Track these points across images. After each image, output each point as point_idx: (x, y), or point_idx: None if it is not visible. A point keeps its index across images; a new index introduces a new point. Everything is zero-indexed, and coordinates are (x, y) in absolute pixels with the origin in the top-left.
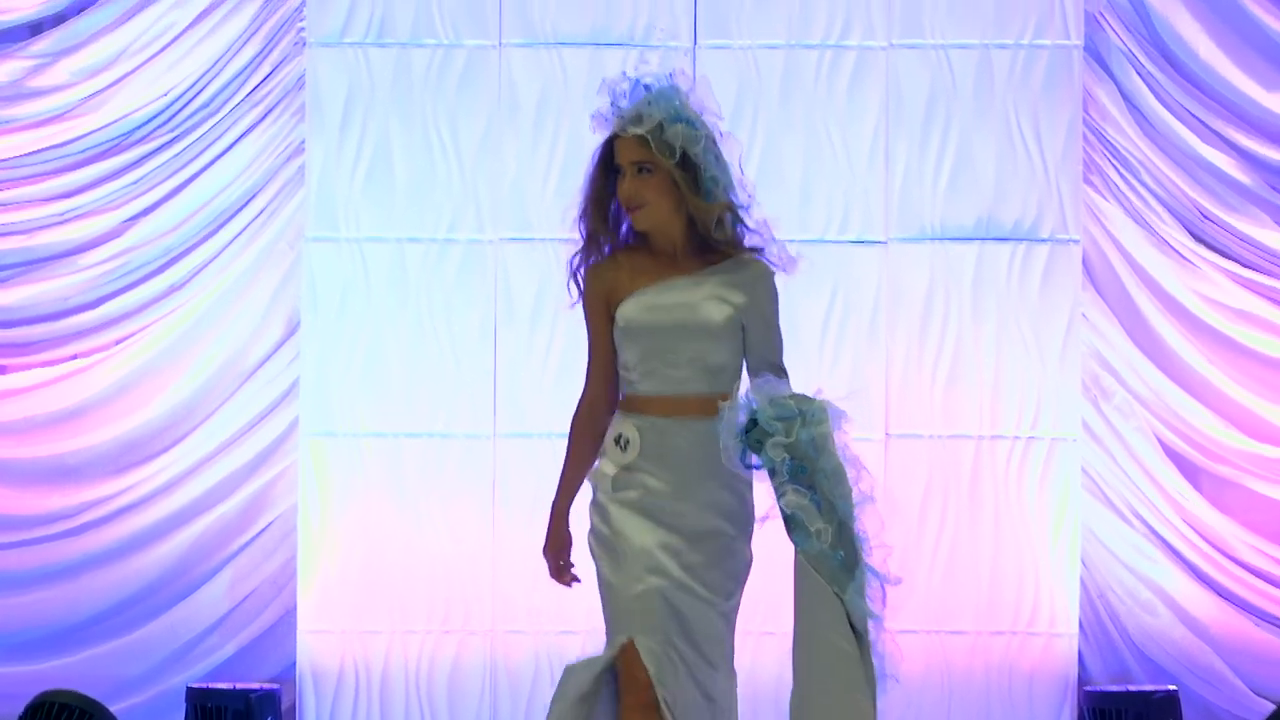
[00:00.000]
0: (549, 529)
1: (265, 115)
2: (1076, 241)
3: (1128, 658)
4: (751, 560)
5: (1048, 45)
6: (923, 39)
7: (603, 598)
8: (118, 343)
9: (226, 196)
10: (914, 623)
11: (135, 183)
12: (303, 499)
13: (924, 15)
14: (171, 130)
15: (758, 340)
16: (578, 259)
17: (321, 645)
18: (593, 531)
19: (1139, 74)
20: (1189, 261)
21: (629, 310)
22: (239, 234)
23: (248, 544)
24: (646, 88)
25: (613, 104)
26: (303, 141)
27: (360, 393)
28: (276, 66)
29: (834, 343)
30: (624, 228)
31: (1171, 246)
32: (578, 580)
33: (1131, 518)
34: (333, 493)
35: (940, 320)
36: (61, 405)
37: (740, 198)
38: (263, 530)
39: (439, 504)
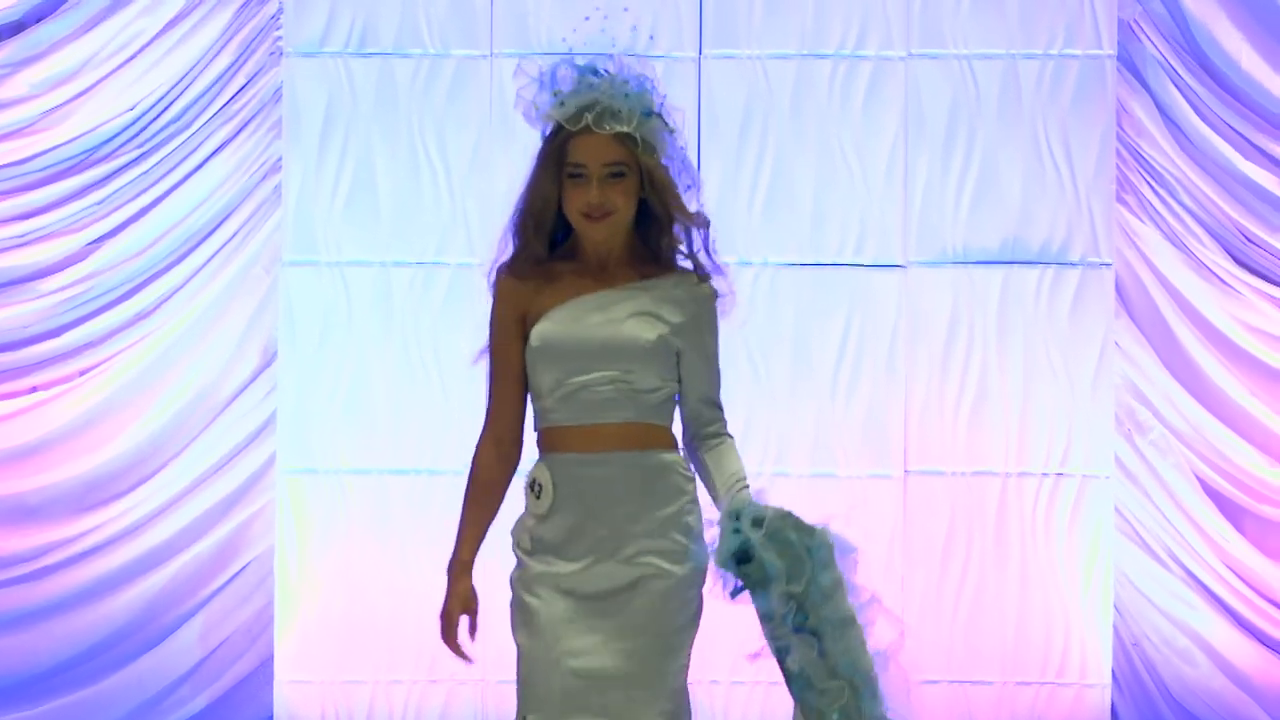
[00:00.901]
0: (447, 588)
1: (240, 130)
2: (1109, 265)
3: (1164, 709)
4: (701, 607)
5: (1078, 55)
6: (944, 48)
7: (517, 663)
8: (81, 374)
9: (198, 217)
10: (936, 672)
11: (100, 203)
12: (280, 540)
13: (945, 23)
14: (139, 146)
15: (693, 371)
16: (499, 273)
17: (300, 696)
18: (514, 596)
19: (1176, 85)
20: (1230, 287)
21: (545, 328)
22: (211, 257)
23: (221, 588)
24: (599, 74)
25: (554, 94)
26: (280, 158)
27: (342, 427)
28: (252, 78)
29: (849, 373)
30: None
31: (1211, 270)
32: (468, 660)
33: (1168, 560)
34: (312, 533)
35: (963, 349)
36: (21, 440)
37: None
38: (237, 574)
39: (426, 545)
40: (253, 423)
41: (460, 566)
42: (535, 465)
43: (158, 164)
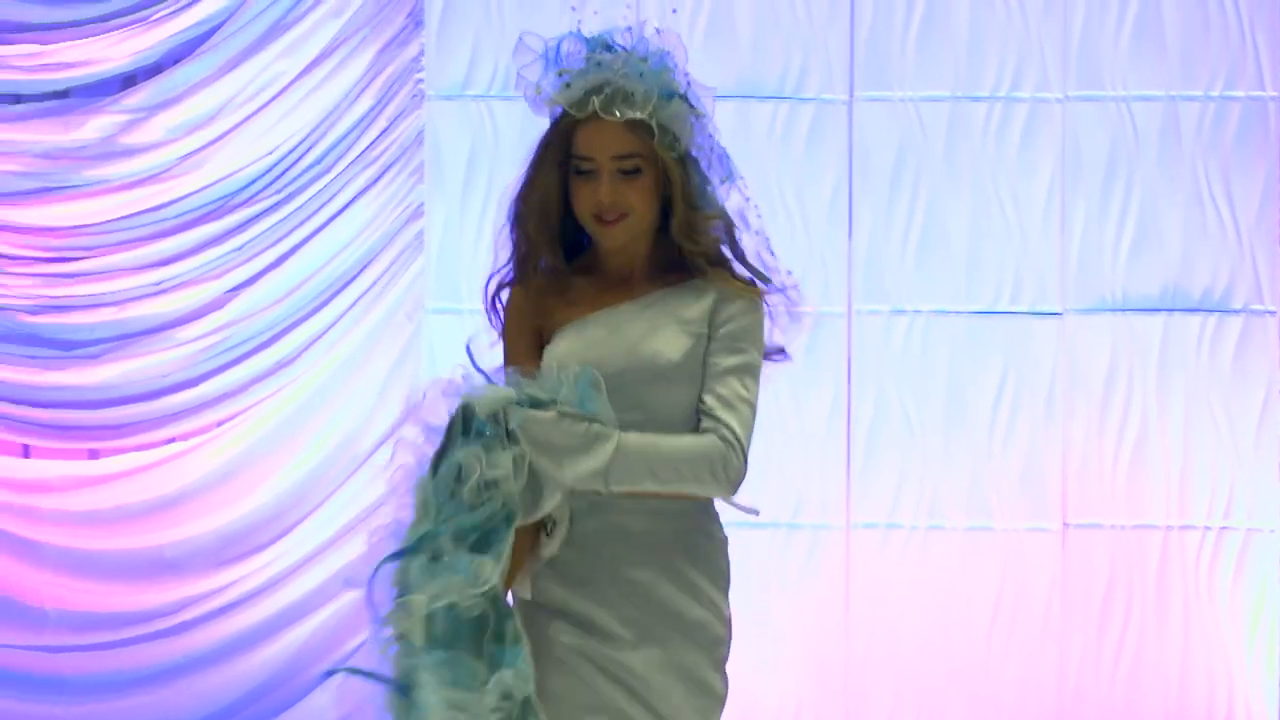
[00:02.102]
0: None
1: (381, 174)
2: (1273, 313)
3: None
4: (725, 697)
5: (1240, 97)
6: (1102, 90)
7: None
8: (219, 424)
9: (339, 264)
10: None
11: (238, 249)
12: None
13: (1103, 64)
14: (278, 191)
15: (719, 381)
16: (495, 282)
17: None
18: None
19: None
20: None
21: (560, 349)
22: (353, 305)
23: (363, 644)
24: (611, 48)
25: (559, 73)
26: (422, 204)
27: None
28: (393, 121)
29: (1005, 424)
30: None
31: None
32: None
33: None
34: None
35: (1122, 398)
36: (158, 493)
37: (729, 200)
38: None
39: None
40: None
41: None
42: None
43: (297, 209)
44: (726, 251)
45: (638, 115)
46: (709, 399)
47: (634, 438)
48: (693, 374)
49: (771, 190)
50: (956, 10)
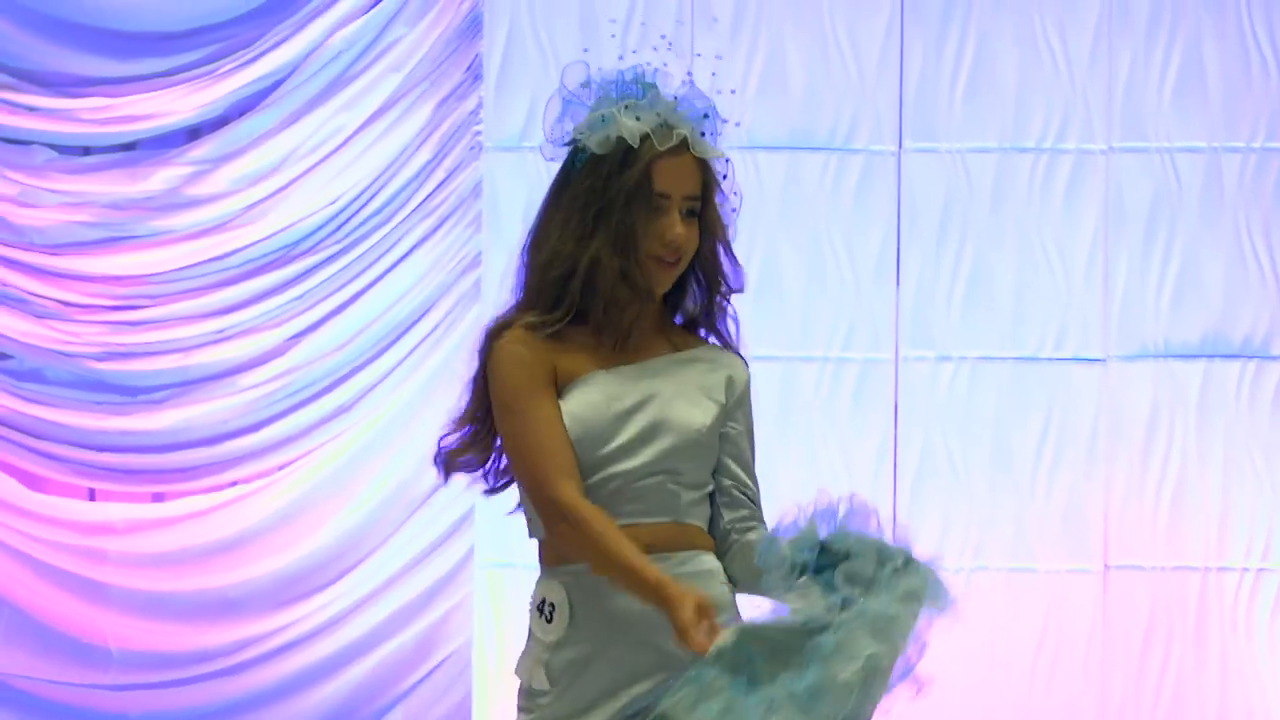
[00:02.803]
0: (666, 599)
1: (440, 225)
2: None
3: None
4: None
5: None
6: (1145, 142)
7: None
8: (280, 469)
9: (397, 312)
10: None
11: (299, 298)
12: (478, 634)
13: (1147, 116)
14: (339, 241)
15: (741, 458)
16: (513, 328)
17: None
18: None
19: None
20: None
21: (575, 403)
22: (410, 352)
23: (418, 683)
24: (659, 88)
25: (625, 106)
26: (479, 253)
27: None
28: (452, 172)
29: (1049, 467)
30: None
31: None
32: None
33: None
34: (511, 627)
35: (1164, 442)
36: (220, 535)
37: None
38: (436, 668)
39: None
40: (450, 517)
41: (661, 581)
42: (542, 580)
43: (357, 259)
44: (718, 308)
45: (718, 154)
46: (753, 483)
47: None
48: (712, 441)
49: (821, 239)
50: (1003, 64)
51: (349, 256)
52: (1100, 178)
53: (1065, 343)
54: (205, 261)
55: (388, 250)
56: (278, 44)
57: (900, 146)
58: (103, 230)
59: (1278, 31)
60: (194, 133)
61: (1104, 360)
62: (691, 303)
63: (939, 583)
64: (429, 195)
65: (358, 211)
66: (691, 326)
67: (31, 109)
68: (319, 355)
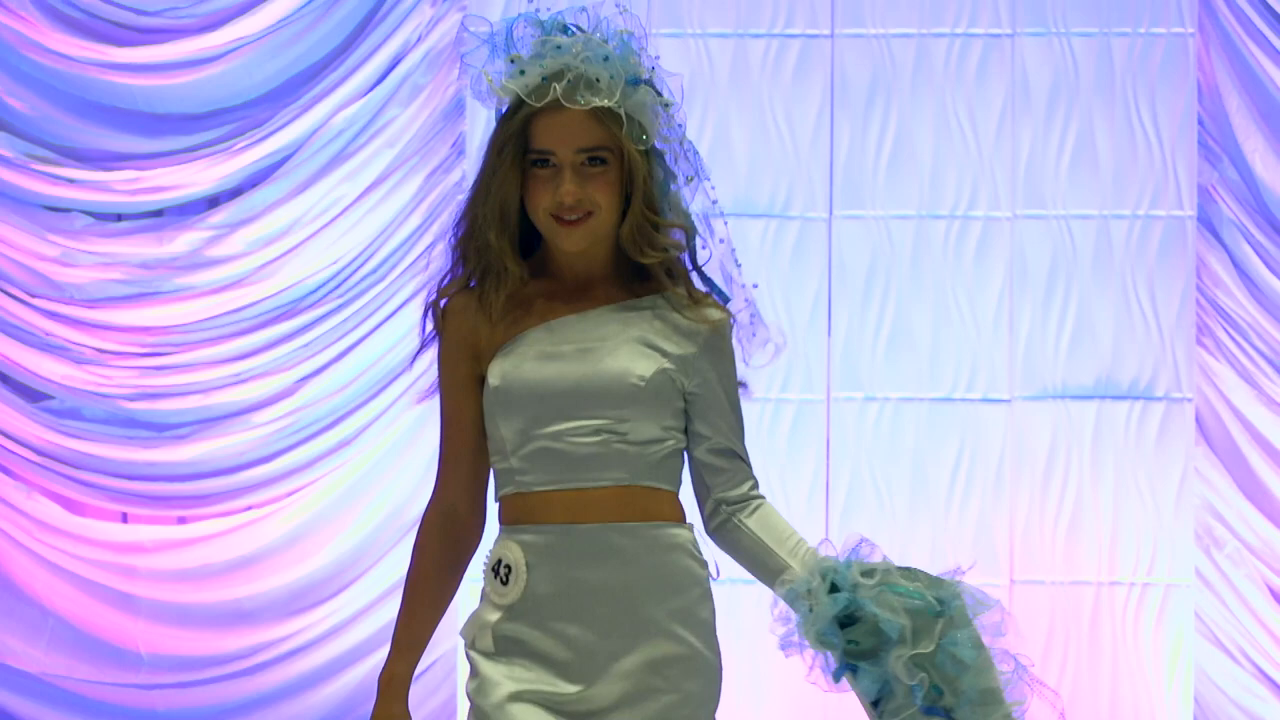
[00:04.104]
0: (375, 708)
1: (427, 283)
2: (1190, 400)
3: None
4: None
5: (1163, 216)
6: (1045, 209)
7: None
8: (290, 495)
9: (391, 358)
10: None
11: (306, 345)
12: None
13: (1046, 187)
14: (340, 296)
15: (708, 417)
16: (440, 296)
17: None
18: (472, 710)
19: (1248, 243)
20: None
21: (507, 364)
22: (403, 394)
23: (412, 682)
24: (568, 31)
25: (511, 59)
26: None
27: None
28: (439, 237)
29: (961, 495)
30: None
31: (1279, 404)
32: None
33: (1242, 659)
34: None
35: (1061, 473)
36: (237, 553)
37: (692, 203)
38: (426, 669)
39: None
40: None
41: (391, 683)
42: (498, 541)
43: (356, 312)
44: (686, 261)
45: (605, 103)
46: (734, 441)
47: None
48: (664, 395)
49: (762, 295)
50: (920, 141)
51: (349, 310)
52: (1006, 241)
53: (976, 385)
54: (223, 314)
55: (382, 304)
56: (286, 124)
57: (831, 213)
58: (133, 287)
59: (1160, 114)
60: (213, 201)
61: (1009, 400)
62: (644, 250)
63: (974, 598)
64: (418, 257)
65: (356, 270)
66: (661, 276)
67: (71, 181)
68: (323, 396)
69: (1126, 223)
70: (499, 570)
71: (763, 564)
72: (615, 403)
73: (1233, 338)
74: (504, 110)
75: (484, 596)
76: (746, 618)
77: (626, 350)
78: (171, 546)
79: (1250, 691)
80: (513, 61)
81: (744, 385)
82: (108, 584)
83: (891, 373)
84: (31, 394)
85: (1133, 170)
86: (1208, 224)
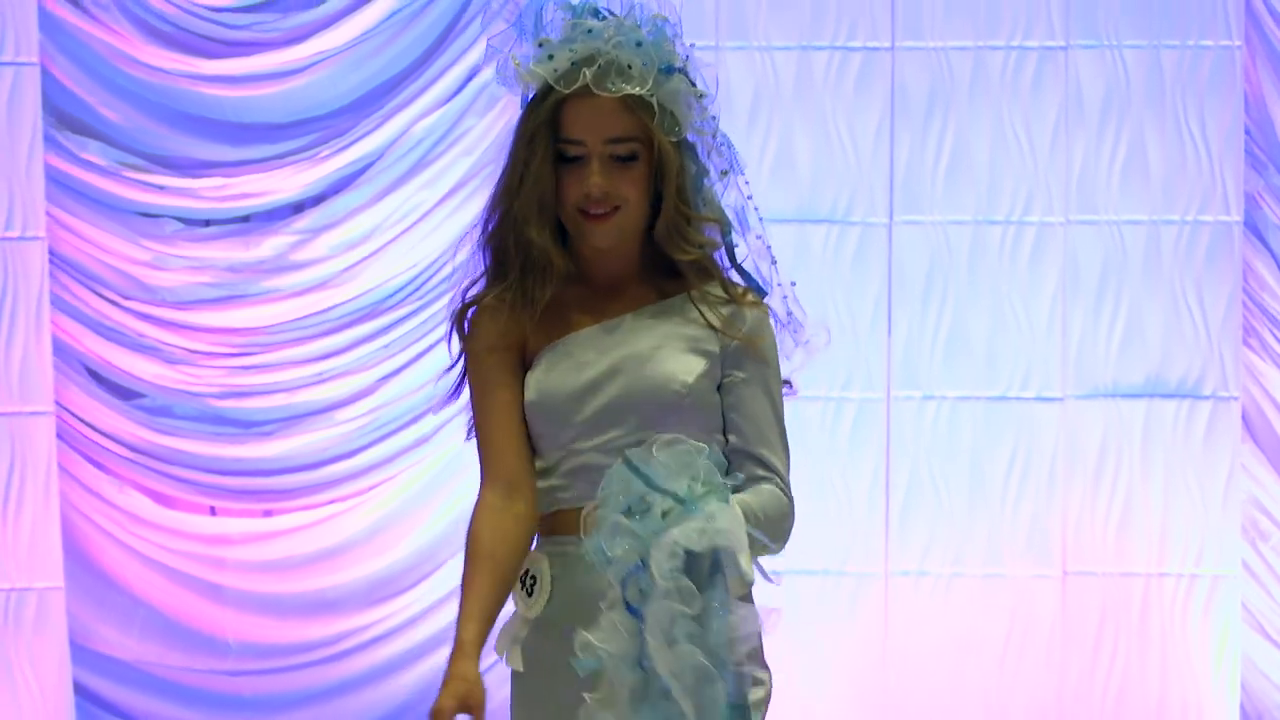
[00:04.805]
0: (447, 668)
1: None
2: (1236, 398)
3: None
4: None
5: (1210, 221)
6: (1097, 215)
7: None
8: (370, 489)
9: None
10: None
11: (386, 346)
12: None
13: (1098, 193)
14: (419, 299)
15: (733, 413)
16: (469, 297)
17: None
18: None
19: None
20: None
21: (540, 376)
22: None
23: (487, 670)
24: (599, 15)
25: (539, 44)
26: None
27: None
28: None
29: (1016, 490)
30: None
31: None
32: None
33: None
34: None
35: (1112, 468)
36: (321, 545)
37: (725, 198)
38: (497, 661)
39: None
40: None
41: (461, 648)
42: (532, 552)
43: (435, 314)
44: (721, 258)
45: (636, 91)
46: (757, 443)
47: (741, 500)
48: (704, 399)
49: (825, 298)
50: (977, 150)
51: (428, 311)
52: (1059, 245)
53: (1030, 384)
54: (307, 316)
55: None
56: (368, 133)
57: (891, 219)
58: (222, 290)
59: (1207, 124)
60: (298, 207)
61: (1062, 399)
62: (681, 246)
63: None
64: None
65: (435, 274)
66: (692, 274)
67: (162, 188)
68: (403, 394)
69: (1175, 228)
70: (525, 581)
71: None
72: (657, 412)
73: (1277, 338)
74: (530, 97)
75: (513, 608)
76: (807, 610)
77: (666, 357)
78: (258, 539)
79: None
80: (541, 45)
81: (788, 384)
82: (197, 575)
83: (949, 372)
84: (125, 392)
85: (1181, 177)
86: (1254, 229)
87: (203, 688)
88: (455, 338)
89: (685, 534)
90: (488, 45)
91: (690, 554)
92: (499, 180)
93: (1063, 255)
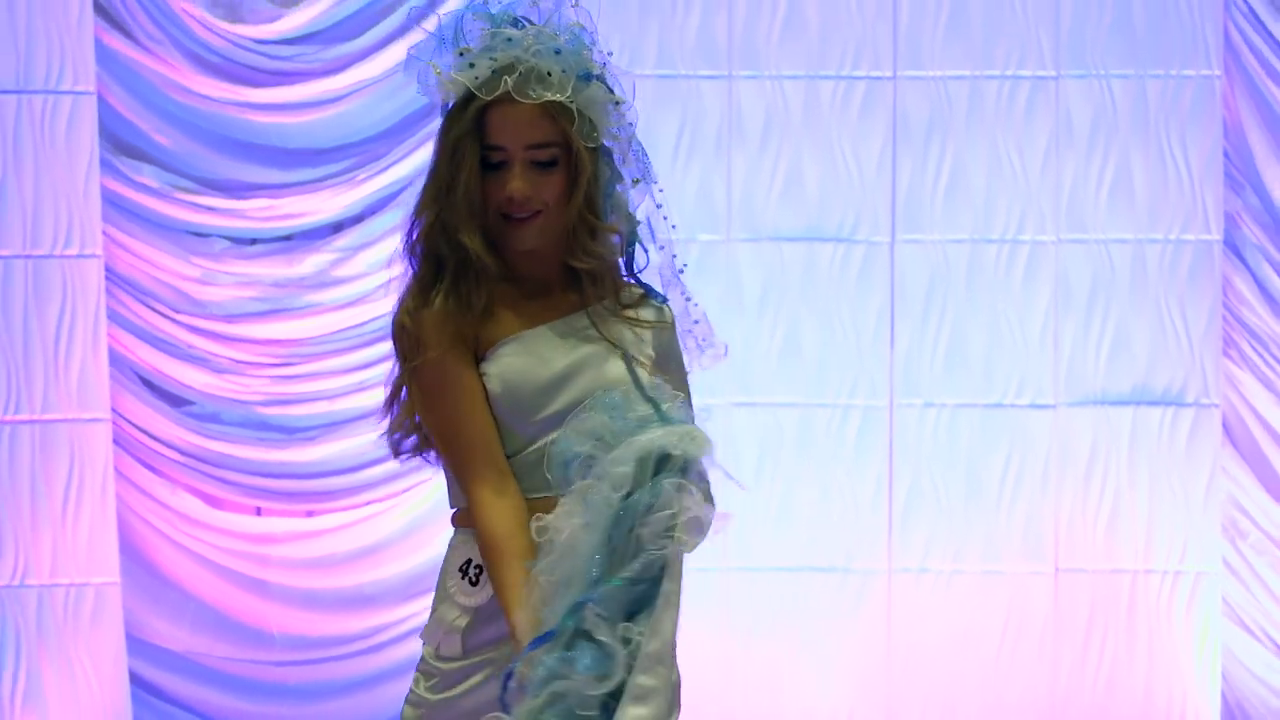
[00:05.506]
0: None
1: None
2: (1217, 406)
3: None
4: None
5: (1192, 240)
6: (1086, 234)
7: None
8: (406, 491)
9: None
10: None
11: None
12: None
13: (1087, 213)
14: None
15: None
16: (411, 302)
17: None
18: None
19: (1270, 264)
20: None
21: (503, 366)
22: None
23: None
24: (519, 24)
25: (460, 52)
26: None
27: None
28: None
29: (1011, 491)
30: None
31: None
32: None
33: (1265, 640)
34: None
35: (1102, 471)
36: (359, 544)
37: (639, 206)
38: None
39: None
40: None
41: (521, 641)
42: (466, 541)
43: None
44: (622, 267)
45: (556, 98)
46: None
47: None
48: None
49: (832, 310)
50: (974, 172)
51: None
52: (1051, 262)
53: (1024, 392)
54: (347, 328)
55: None
56: (403, 157)
57: (893, 238)
58: (267, 304)
59: (1189, 148)
60: (338, 227)
61: (1054, 406)
62: (578, 254)
63: (682, 431)
64: None
65: None
66: (598, 277)
67: (211, 208)
68: None
69: (1160, 246)
70: (468, 570)
71: None
72: None
73: (1256, 350)
74: (449, 105)
75: (444, 598)
76: (815, 605)
77: (616, 358)
78: (301, 537)
79: (1274, 669)
80: (462, 54)
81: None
82: (244, 571)
83: (948, 381)
84: (176, 400)
85: (1165, 199)
86: (1233, 247)
87: (249, 677)
88: (400, 350)
89: (666, 436)
90: (408, 54)
91: (663, 456)
92: (425, 188)
93: (1054, 272)
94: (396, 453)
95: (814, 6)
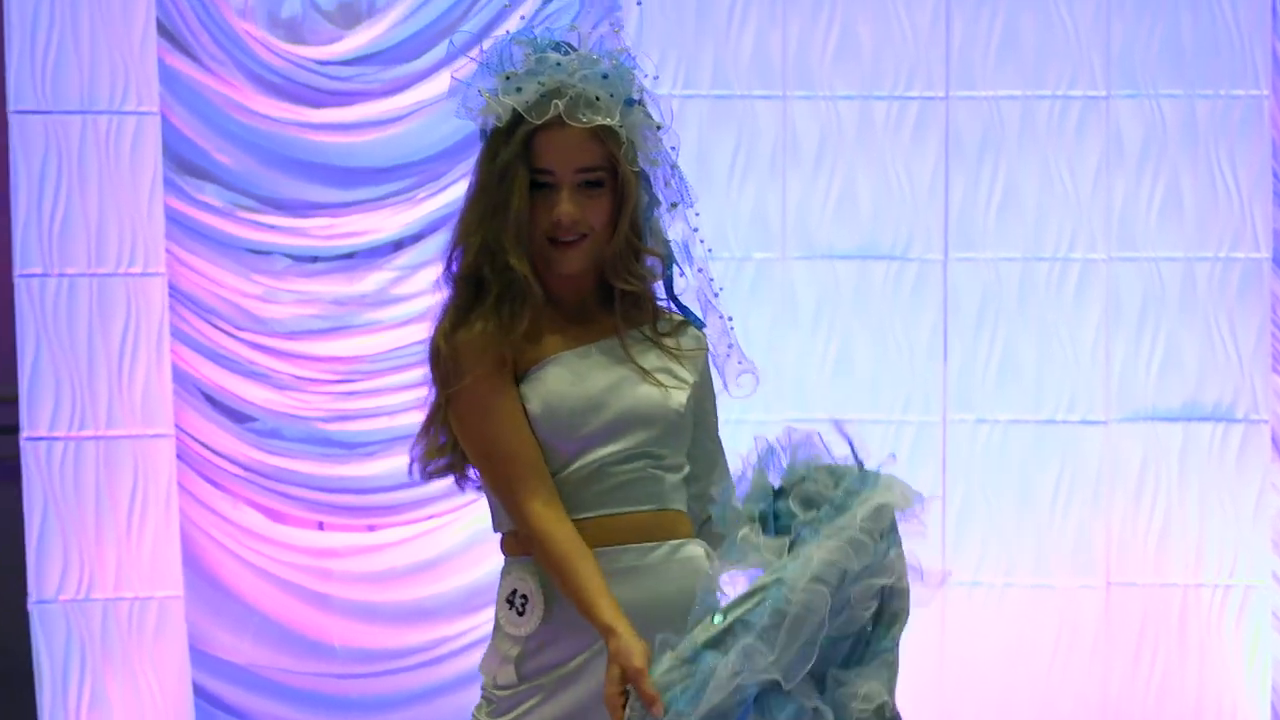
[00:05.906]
0: (615, 648)
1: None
2: (1266, 421)
3: None
4: None
5: (1241, 258)
6: (1137, 252)
7: None
8: (465, 506)
9: None
10: None
11: None
12: None
13: (1137, 231)
14: None
15: (709, 444)
16: (449, 325)
17: None
18: None
19: None
20: None
21: (545, 388)
22: None
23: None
24: (561, 49)
25: (506, 76)
26: None
27: None
28: None
29: (1063, 506)
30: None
31: None
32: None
33: None
34: None
35: (1153, 486)
36: (420, 558)
37: (672, 229)
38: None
39: None
40: None
41: (611, 631)
42: (511, 571)
43: None
44: (661, 290)
45: (606, 122)
46: (720, 455)
47: None
48: (689, 425)
49: (886, 327)
50: (1026, 191)
51: None
52: (1102, 280)
53: (1075, 408)
54: (407, 345)
55: None
56: (462, 177)
57: (946, 256)
58: (328, 321)
59: (1238, 167)
60: (398, 245)
61: (1106, 422)
62: (624, 276)
63: (899, 484)
64: None
65: None
66: (627, 305)
67: (272, 227)
68: None
69: (1209, 264)
70: (514, 601)
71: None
72: (657, 430)
73: None
74: (491, 129)
75: (497, 629)
76: None
77: (659, 379)
78: (362, 552)
79: None
80: (509, 79)
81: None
82: (305, 585)
83: (1001, 397)
84: (238, 416)
85: (1214, 217)
86: None
87: (311, 689)
88: (438, 375)
89: (882, 495)
90: (452, 79)
91: (881, 509)
92: (467, 211)
93: (1105, 289)
94: (425, 477)
95: (867, 28)
